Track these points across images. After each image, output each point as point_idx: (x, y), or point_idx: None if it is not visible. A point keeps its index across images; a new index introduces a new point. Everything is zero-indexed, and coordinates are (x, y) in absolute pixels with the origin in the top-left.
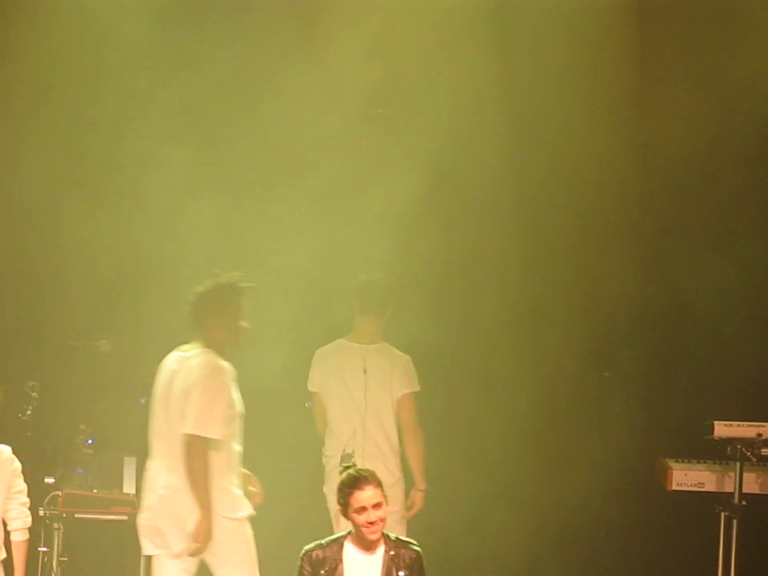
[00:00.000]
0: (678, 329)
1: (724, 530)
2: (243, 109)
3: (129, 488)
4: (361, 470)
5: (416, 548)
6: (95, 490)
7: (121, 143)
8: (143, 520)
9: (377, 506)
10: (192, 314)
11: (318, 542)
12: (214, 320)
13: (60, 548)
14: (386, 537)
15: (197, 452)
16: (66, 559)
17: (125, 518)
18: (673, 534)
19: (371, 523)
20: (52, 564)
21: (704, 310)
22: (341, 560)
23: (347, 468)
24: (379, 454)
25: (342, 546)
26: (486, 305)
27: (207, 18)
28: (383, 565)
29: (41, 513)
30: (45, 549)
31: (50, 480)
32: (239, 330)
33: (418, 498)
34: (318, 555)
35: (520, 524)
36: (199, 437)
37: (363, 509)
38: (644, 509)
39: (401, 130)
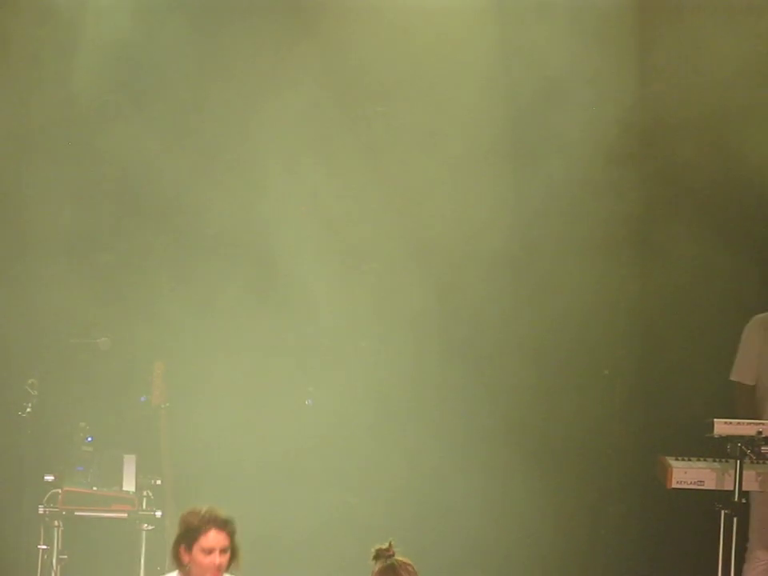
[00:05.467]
0: (678, 326)
1: (724, 528)
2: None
3: (128, 485)
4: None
5: None
6: (95, 488)
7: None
8: None
9: None
10: None
11: None
12: None
13: (60, 546)
14: None
15: None
16: (65, 557)
17: (125, 515)
18: (673, 532)
19: None
20: (52, 562)
21: (704, 308)
22: None
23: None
24: None
25: None
26: (484, 303)
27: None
28: None
29: (40, 510)
30: (44, 547)
31: (49, 478)
32: None
33: None
34: None
35: (519, 523)
36: None
37: None
38: (644, 507)
39: (399, 131)
